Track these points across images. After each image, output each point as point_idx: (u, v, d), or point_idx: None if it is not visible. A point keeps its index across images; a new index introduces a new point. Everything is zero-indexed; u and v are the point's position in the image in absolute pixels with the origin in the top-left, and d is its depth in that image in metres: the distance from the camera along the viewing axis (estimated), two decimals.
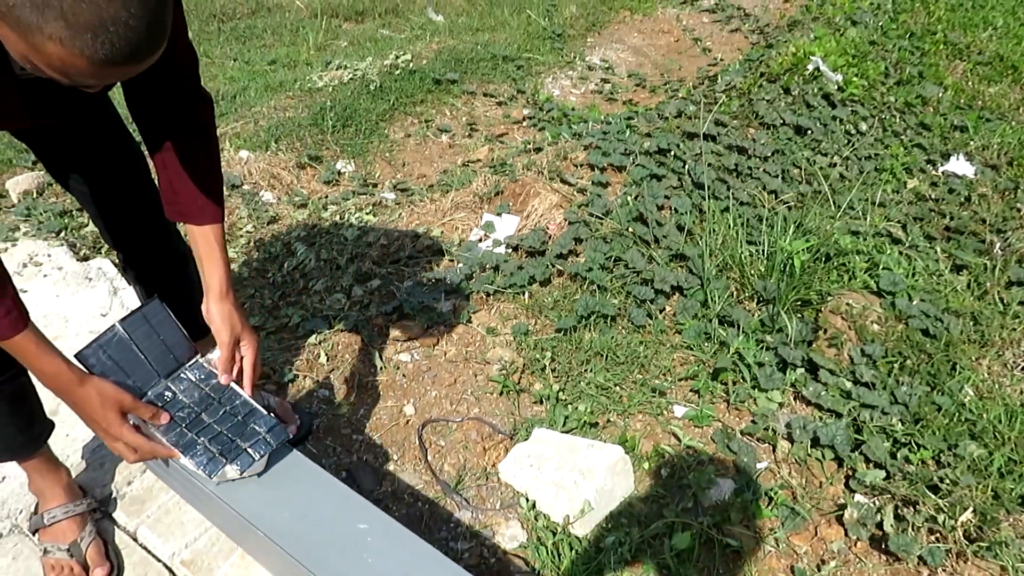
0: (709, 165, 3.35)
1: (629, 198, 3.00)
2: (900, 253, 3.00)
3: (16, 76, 1.17)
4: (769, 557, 1.91)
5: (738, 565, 1.89)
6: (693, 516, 1.99)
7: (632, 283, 2.71)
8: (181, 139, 1.54)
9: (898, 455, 2.18)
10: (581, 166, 3.31)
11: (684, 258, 2.82)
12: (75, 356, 1.45)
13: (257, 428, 1.53)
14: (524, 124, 4.25)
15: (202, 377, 1.59)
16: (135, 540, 2.00)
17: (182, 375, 1.59)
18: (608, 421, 2.28)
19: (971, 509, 1.99)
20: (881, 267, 2.81)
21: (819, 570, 1.87)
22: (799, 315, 2.65)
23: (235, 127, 4.16)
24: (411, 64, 4.75)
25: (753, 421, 2.26)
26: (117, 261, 2.84)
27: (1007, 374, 2.56)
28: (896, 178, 3.50)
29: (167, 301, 2.14)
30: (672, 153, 3.32)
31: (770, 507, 2.01)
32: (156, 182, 1.65)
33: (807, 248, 2.75)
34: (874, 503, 2.03)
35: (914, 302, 2.67)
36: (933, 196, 3.40)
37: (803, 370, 2.44)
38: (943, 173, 3.57)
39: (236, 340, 1.60)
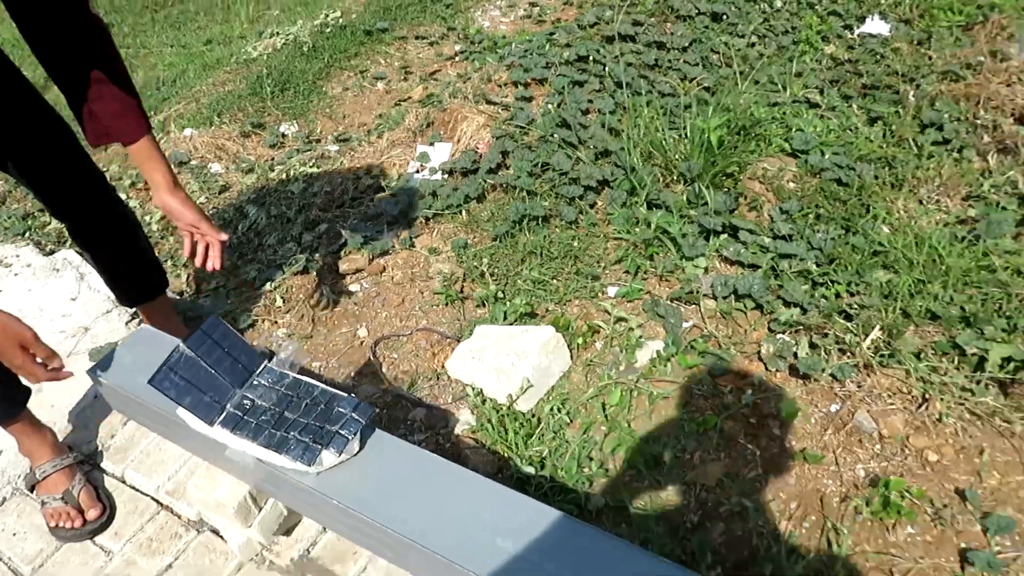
0: (629, 64, 3.45)
1: (551, 107, 3.12)
2: (817, 116, 3.11)
3: None
4: (697, 399, 2.08)
5: (669, 410, 2.05)
6: (625, 376, 2.16)
7: (560, 184, 2.84)
8: (84, 64, 1.66)
9: (815, 294, 2.33)
10: (505, 85, 3.42)
11: (609, 154, 2.94)
12: (148, 383, 1.50)
13: (342, 410, 1.51)
14: (456, 59, 4.33)
15: (275, 380, 1.60)
16: (123, 482, 2.19)
17: (255, 382, 1.60)
18: (546, 311, 2.44)
19: (879, 327, 2.15)
20: (794, 130, 2.93)
21: (740, 401, 2.03)
22: (723, 188, 2.78)
23: (178, 108, 4.27)
24: (341, 20, 4.82)
25: (681, 287, 2.41)
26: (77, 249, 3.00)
27: (922, 209, 2.69)
28: (813, 47, 3.58)
29: (116, 264, 2.30)
30: (591, 59, 3.42)
31: (695, 355, 2.17)
32: (78, 120, 1.77)
33: (723, 124, 2.86)
34: (793, 339, 2.19)
35: (826, 156, 2.80)
36: (851, 58, 3.49)
37: (726, 236, 2.57)
38: (859, 35, 3.64)
39: (194, 225, 1.82)
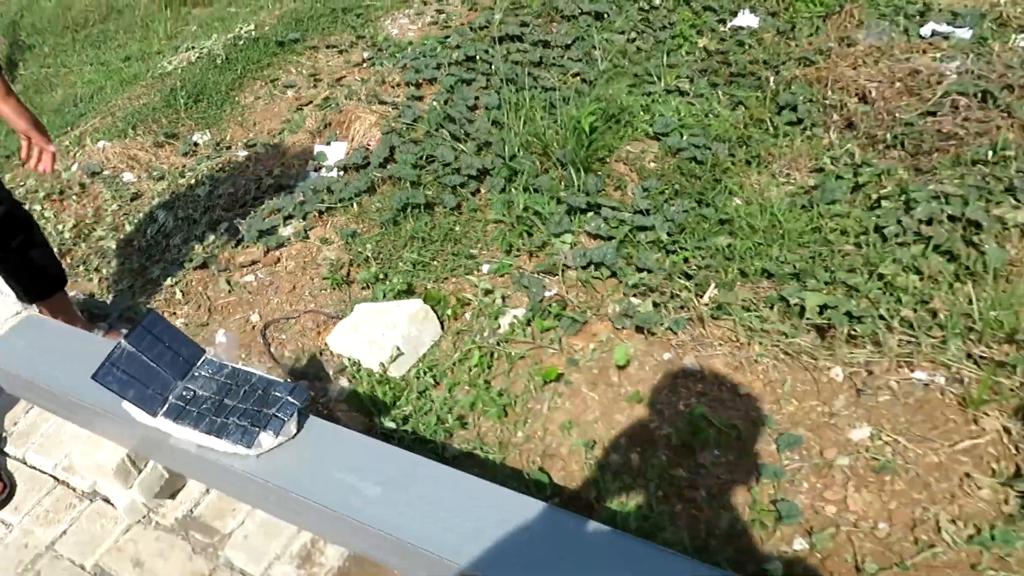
0: (516, 63, 3.68)
1: (437, 104, 3.33)
2: (685, 102, 3.37)
3: None
4: (551, 357, 2.29)
5: (524, 368, 2.26)
6: (487, 341, 2.37)
7: (444, 174, 3.05)
8: None
9: (666, 261, 2.57)
10: (398, 86, 3.62)
11: (492, 145, 3.16)
12: (92, 378, 1.59)
13: (278, 394, 1.60)
14: (364, 65, 4.52)
15: (215, 370, 1.69)
16: (25, 463, 2.34)
17: (196, 374, 1.69)
18: (425, 288, 2.64)
19: (714, 285, 2.39)
20: (656, 115, 3.18)
21: (586, 356, 2.25)
22: (593, 171, 3.02)
23: (94, 123, 4.41)
24: (254, 33, 4.99)
25: (546, 261, 2.62)
26: None
27: (774, 181, 2.95)
28: (688, 40, 3.85)
29: (16, 262, 2.45)
30: (479, 59, 3.64)
31: (551, 319, 2.38)
32: None
33: (594, 113, 3.10)
34: (640, 299, 2.42)
35: (684, 138, 3.05)
36: (721, 49, 3.75)
37: (592, 213, 2.80)
38: (731, 28, 3.92)
39: (27, 133, 2.06)
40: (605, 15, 4.01)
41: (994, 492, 1.73)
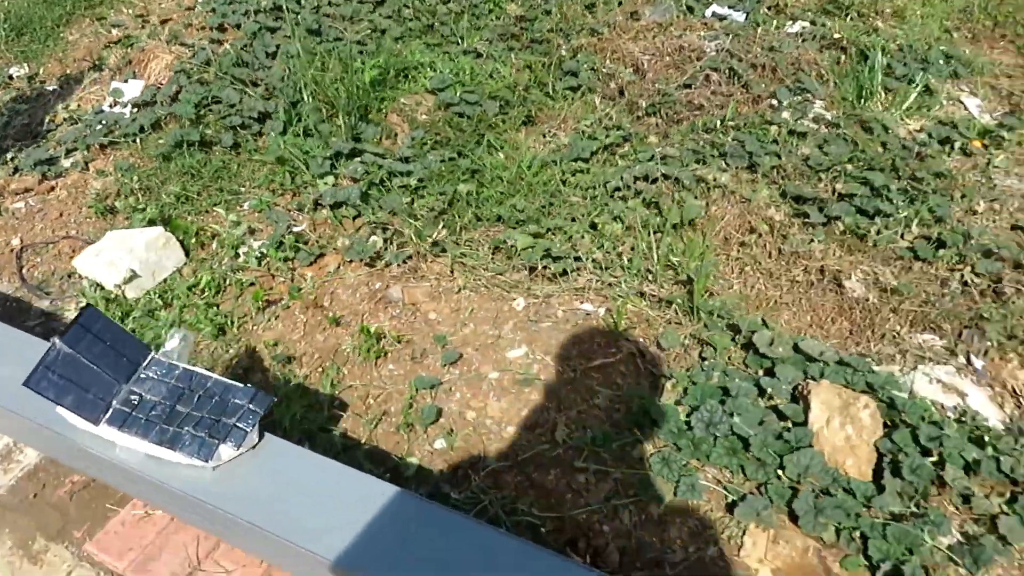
0: (327, 15, 3.80)
1: (232, 49, 3.42)
2: (477, 63, 3.55)
3: None
4: (280, 284, 2.46)
5: (251, 292, 2.43)
6: (226, 270, 2.52)
7: (226, 115, 3.16)
8: None
9: (415, 204, 2.76)
10: (203, 29, 3.70)
11: (282, 91, 3.28)
12: (24, 385, 1.41)
13: (238, 401, 1.48)
14: (195, 9, 4.55)
15: (164, 372, 1.54)
16: None
17: (142, 375, 1.54)
18: (186, 218, 2.76)
19: (442, 225, 2.59)
20: (437, 72, 3.36)
21: (308, 284, 2.43)
22: (372, 121, 3.18)
23: None
24: None
25: (303, 199, 2.78)
26: None
27: (543, 139, 3.17)
28: (499, 6, 4.04)
29: None
30: (288, 8, 3.74)
31: (288, 251, 2.55)
32: None
33: (379, 67, 3.26)
34: (373, 236, 2.60)
35: (458, 94, 3.24)
36: (528, 16, 3.96)
37: (359, 159, 2.97)
38: None
39: None
40: None
41: (610, 403, 1.99)
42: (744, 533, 1.73)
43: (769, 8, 3.90)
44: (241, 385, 1.51)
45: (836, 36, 3.56)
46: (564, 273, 2.40)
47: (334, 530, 1.37)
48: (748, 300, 2.43)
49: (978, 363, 2.20)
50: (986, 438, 1.91)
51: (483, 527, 1.43)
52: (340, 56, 3.42)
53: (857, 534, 1.70)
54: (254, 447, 1.49)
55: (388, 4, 3.93)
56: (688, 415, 1.93)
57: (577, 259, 2.46)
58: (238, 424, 1.46)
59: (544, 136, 3.21)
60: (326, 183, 2.88)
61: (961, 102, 3.35)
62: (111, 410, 1.50)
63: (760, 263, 2.55)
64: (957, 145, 3.05)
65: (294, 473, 1.47)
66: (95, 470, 1.71)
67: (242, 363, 2.22)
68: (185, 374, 1.54)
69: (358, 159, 2.95)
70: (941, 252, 2.56)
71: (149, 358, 1.57)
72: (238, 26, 3.70)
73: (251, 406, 1.48)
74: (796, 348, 2.10)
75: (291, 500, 1.42)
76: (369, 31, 3.78)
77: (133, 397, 1.51)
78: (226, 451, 1.45)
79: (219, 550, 1.79)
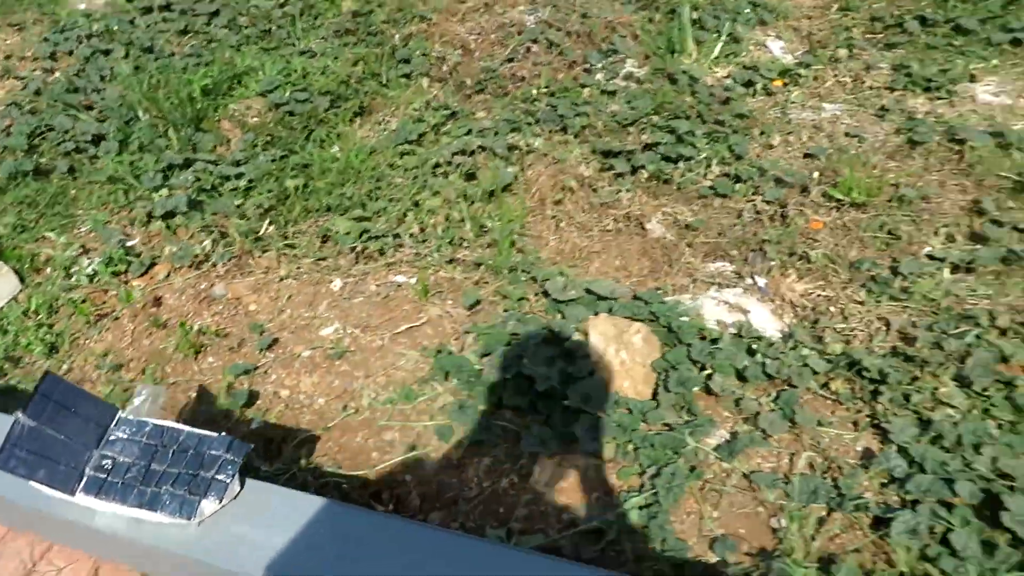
0: (161, 32, 3.85)
1: (63, 76, 3.46)
2: (310, 61, 3.65)
3: None
4: (111, 298, 2.54)
5: (86, 307, 2.50)
6: (58, 291, 2.58)
7: (61, 141, 3.21)
8: None
9: (245, 204, 2.85)
10: (36, 59, 3.72)
11: (116, 111, 3.33)
12: None
13: (215, 452, 1.45)
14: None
15: (134, 431, 1.51)
16: None
17: (112, 437, 1.51)
18: (22, 247, 2.80)
19: (268, 222, 2.70)
20: (265, 75, 3.45)
21: (139, 293, 2.51)
22: (205, 129, 3.25)
23: None
24: None
25: (137, 215, 2.85)
26: None
27: (378, 128, 3.29)
28: (334, 4, 4.14)
29: None
30: (118, 29, 3.78)
31: (120, 265, 2.62)
32: None
33: (208, 77, 3.34)
34: (201, 240, 2.69)
35: (288, 93, 3.34)
36: (362, 11, 4.06)
37: (191, 168, 3.04)
38: None
39: None
40: None
41: (416, 363, 2.13)
42: (534, 463, 1.89)
43: None
44: (215, 435, 1.48)
45: None
46: (383, 251, 2.53)
47: (328, 565, 1.37)
48: (563, 253, 2.60)
49: (761, 282, 2.40)
50: (754, 347, 2.11)
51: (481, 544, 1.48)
52: (172, 70, 3.48)
53: (631, 447, 1.88)
54: (236, 497, 1.46)
55: (223, 14, 3.98)
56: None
57: (396, 236, 2.59)
58: (217, 476, 1.43)
59: (379, 124, 3.32)
60: (160, 195, 2.95)
61: (766, 46, 3.57)
62: (85, 478, 1.46)
63: (573, 217, 2.72)
64: (759, 86, 3.26)
65: (280, 515, 1.45)
66: (77, 541, 1.69)
67: (75, 376, 2.29)
68: (156, 430, 1.51)
69: (191, 169, 3.02)
70: (738, 186, 2.76)
71: (116, 418, 1.54)
72: (71, 52, 3.73)
73: (228, 455, 1.45)
74: (589, 291, 2.26)
75: (279, 542, 1.40)
76: (205, 43, 3.84)
77: (106, 462, 1.48)
78: (208, 506, 1.42)
79: (52, 551, 1.89)
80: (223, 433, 1.49)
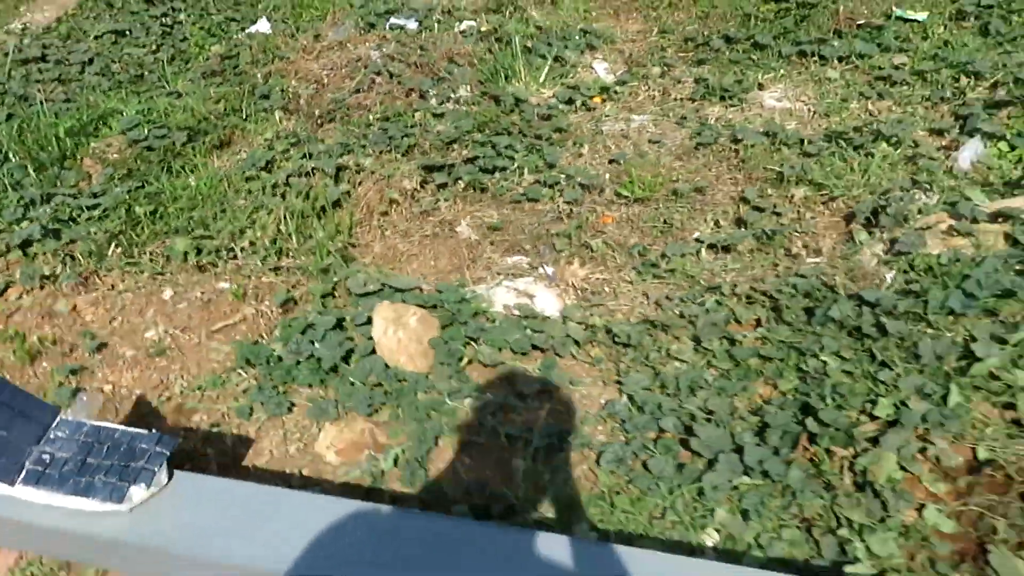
0: (37, 81, 4.11)
1: None
2: (174, 101, 3.93)
3: None
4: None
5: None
6: None
7: None
8: None
9: (97, 231, 3.10)
10: None
11: None
12: None
13: (145, 446, 1.58)
14: None
15: (73, 431, 1.63)
16: None
17: (52, 436, 1.62)
18: None
19: (115, 244, 2.95)
20: (126, 113, 3.73)
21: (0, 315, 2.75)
22: (70, 168, 3.51)
23: None
24: None
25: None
26: None
27: (234, 160, 3.57)
28: (203, 48, 4.45)
29: None
30: None
31: None
32: None
33: (73, 118, 3.60)
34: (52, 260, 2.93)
35: (146, 130, 3.61)
36: (231, 54, 4.37)
37: (51, 202, 3.28)
38: (246, 34, 4.55)
39: None
40: (128, 32, 4.51)
41: (226, 355, 2.40)
42: (321, 430, 2.17)
43: (443, 13, 4.45)
44: (147, 432, 1.62)
45: (483, 29, 4.12)
46: (215, 264, 2.80)
47: (268, 546, 1.48)
48: (386, 257, 2.90)
49: (550, 270, 2.72)
50: (525, 323, 2.42)
51: (422, 516, 1.62)
52: (42, 115, 3.74)
53: (401, 411, 2.16)
54: (165, 486, 1.59)
55: (96, 63, 4.26)
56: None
57: (231, 251, 2.86)
58: (146, 466, 1.56)
59: (235, 155, 3.61)
60: (21, 227, 3.19)
61: (592, 68, 3.96)
62: (25, 471, 1.57)
63: (397, 226, 3.02)
64: (579, 103, 3.63)
65: (207, 500, 1.59)
66: (17, 539, 1.78)
67: None
68: (93, 429, 1.64)
69: (51, 202, 3.27)
70: (545, 191, 3.09)
71: (57, 419, 1.66)
72: None
73: (157, 448, 1.59)
74: (389, 286, 2.56)
75: (215, 527, 1.53)
76: (78, 89, 4.10)
77: (45, 456, 1.59)
78: (137, 492, 1.54)
79: None
80: (153, 430, 1.65)
